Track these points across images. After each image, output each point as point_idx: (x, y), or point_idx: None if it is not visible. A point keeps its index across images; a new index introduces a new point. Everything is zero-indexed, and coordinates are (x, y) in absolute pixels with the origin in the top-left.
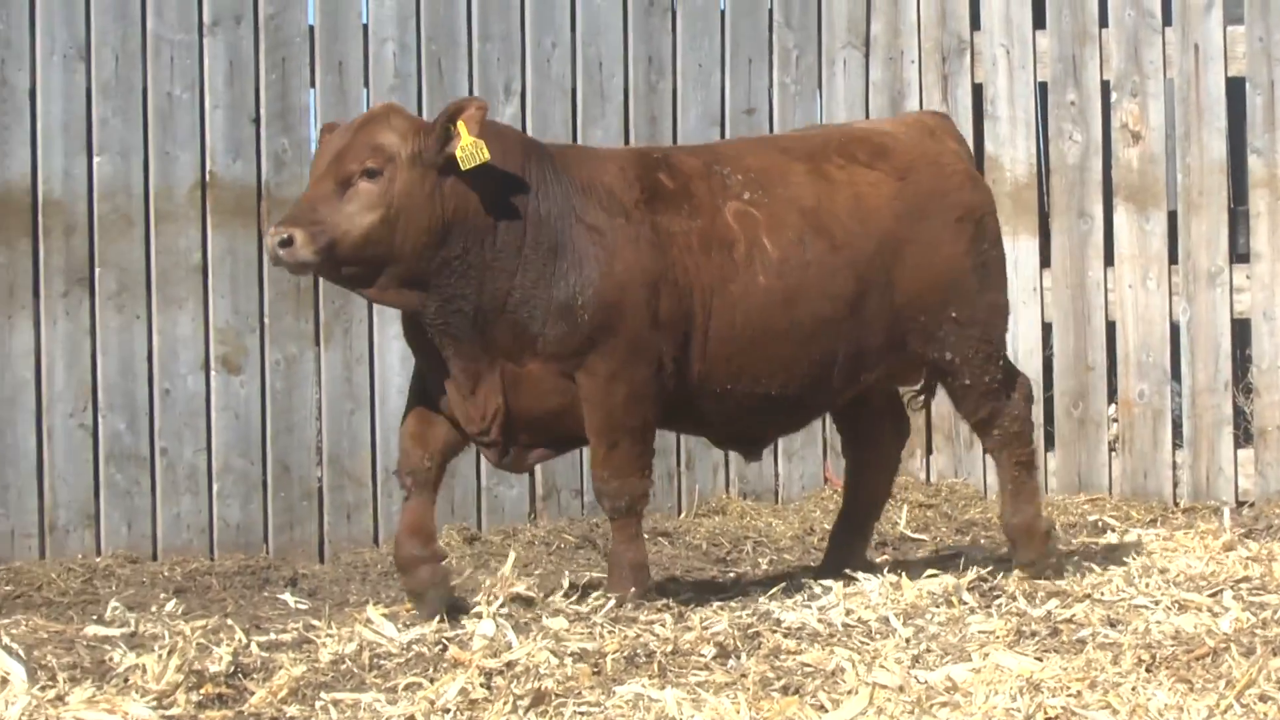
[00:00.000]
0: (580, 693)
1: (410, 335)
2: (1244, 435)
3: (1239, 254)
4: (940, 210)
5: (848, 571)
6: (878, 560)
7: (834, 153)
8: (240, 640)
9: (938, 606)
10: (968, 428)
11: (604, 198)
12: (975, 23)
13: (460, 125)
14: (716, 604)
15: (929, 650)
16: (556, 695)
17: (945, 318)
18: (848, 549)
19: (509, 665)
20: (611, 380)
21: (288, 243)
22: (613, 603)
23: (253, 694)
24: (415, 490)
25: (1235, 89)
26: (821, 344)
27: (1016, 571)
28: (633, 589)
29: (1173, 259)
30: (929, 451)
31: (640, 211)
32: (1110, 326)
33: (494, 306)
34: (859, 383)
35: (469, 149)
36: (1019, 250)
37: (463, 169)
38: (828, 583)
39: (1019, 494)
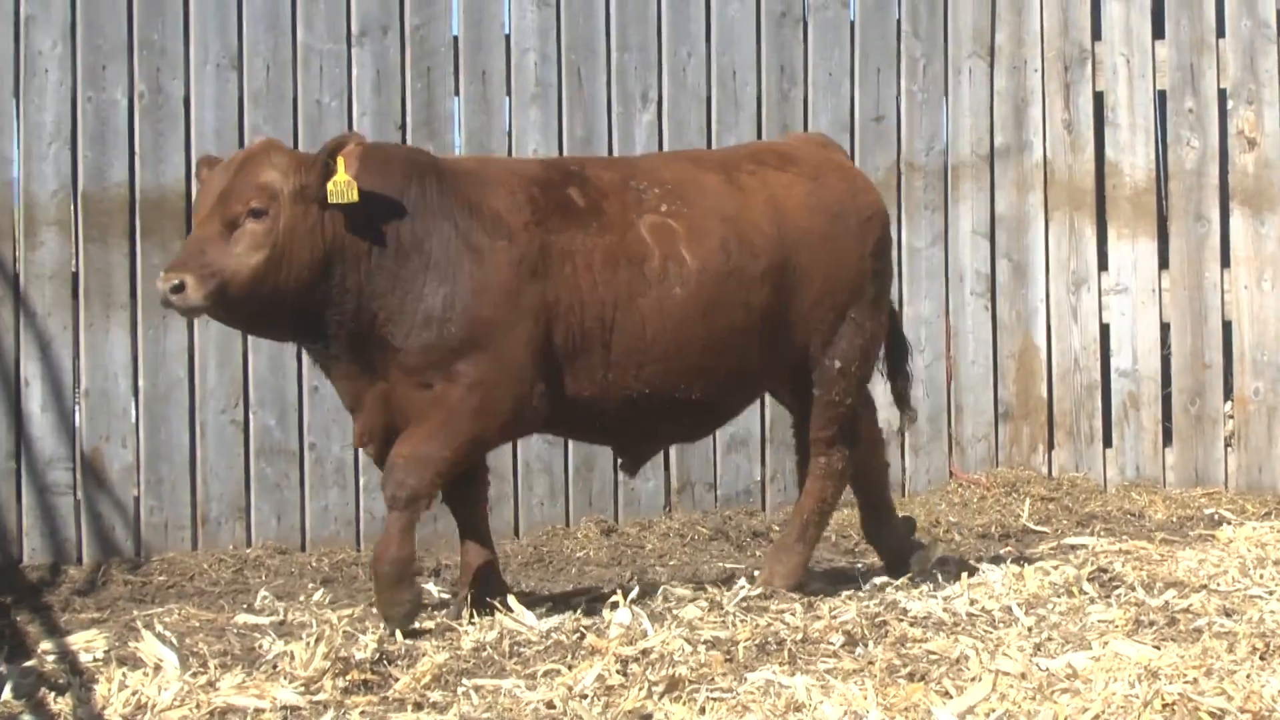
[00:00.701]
0: (713, 679)
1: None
2: None
3: None
4: (852, 209)
5: (971, 562)
6: (1001, 551)
7: (745, 160)
8: (385, 629)
9: (1059, 596)
10: (1088, 424)
11: (488, 220)
12: (1096, 33)
13: (339, 160)
14: (845, 594)
15: (1050, 639)
16: (690, 681)
17: (846, 319)
18: (889, 533)
19: (644, 653)
20: (470, 389)
21: (179, 289)
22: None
23: (397, 680)
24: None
25: None
26: (739, 353)
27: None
28: (394, 584)
29: None
30: (1050, 447)
31: (528, 233)
32: (1226, 326)
33: (366, 328)
34: (764, 388)
35: (340, 186)
36: (1138, 253)
37: (329, 203)
38: (952, 572)
39: (807, 530)
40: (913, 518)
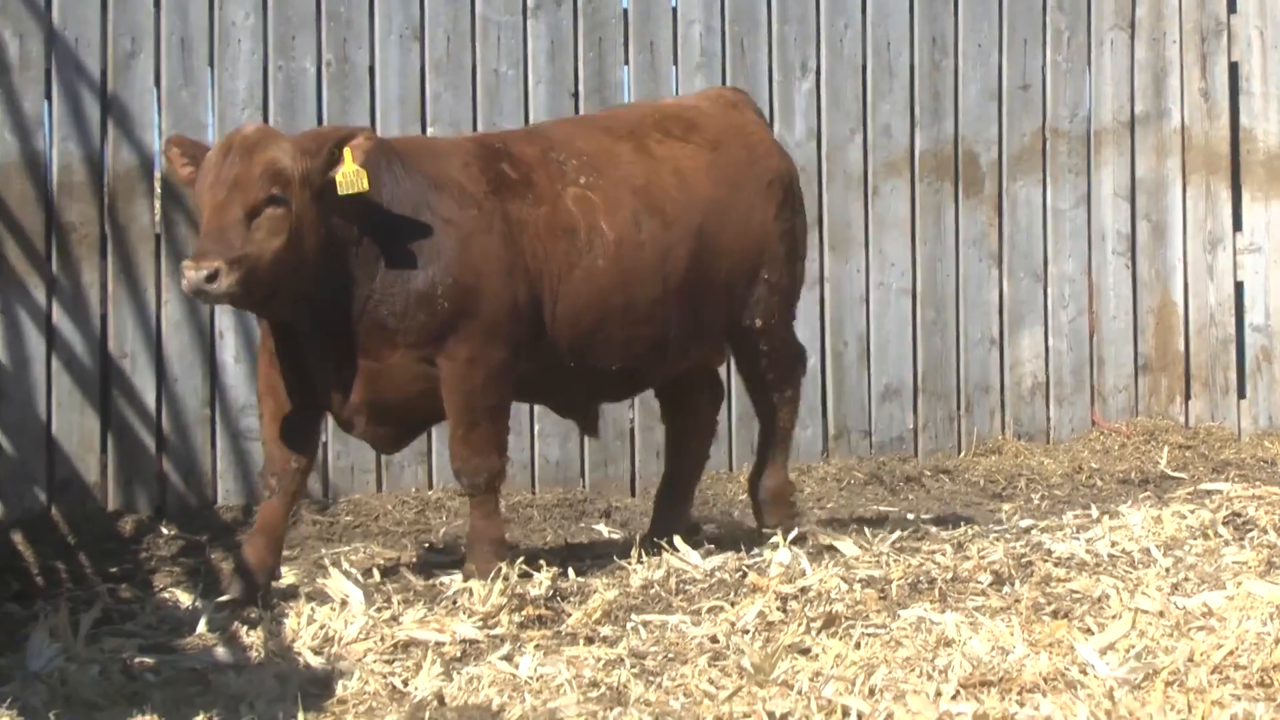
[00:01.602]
0: (867, 615)
1: (273, 332)
2: None
3: None
4: (751, 178)
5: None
6: (1140, 496)
7: (652, 129)
8: (558, 567)
9: (1195, 539)
10: (1223, 376)
11: (454, 191)
12: (1232, 6)
13: (346, 151)
14: (993, 535)
15: (1186, 579)
16: (846, 618)
17: (759, 281)
18: (674, 511)
19: (803, 590)
20: (471, 364)
21: (213, 277)
22: (474, 580)
23: (570, 615)
24: (278, 493)
25: None
26: (657, 321)
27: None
28: (494, 563)
29: None
30: (1187, 398)
31: (490, 201)
32: None
33: (357, 310)
34: (689, 355)
35: (350, 176)
36: (1270, 214)
37: (339, 194)
38: (1094, 514)
39: (775, 460)
40: (700, 526)
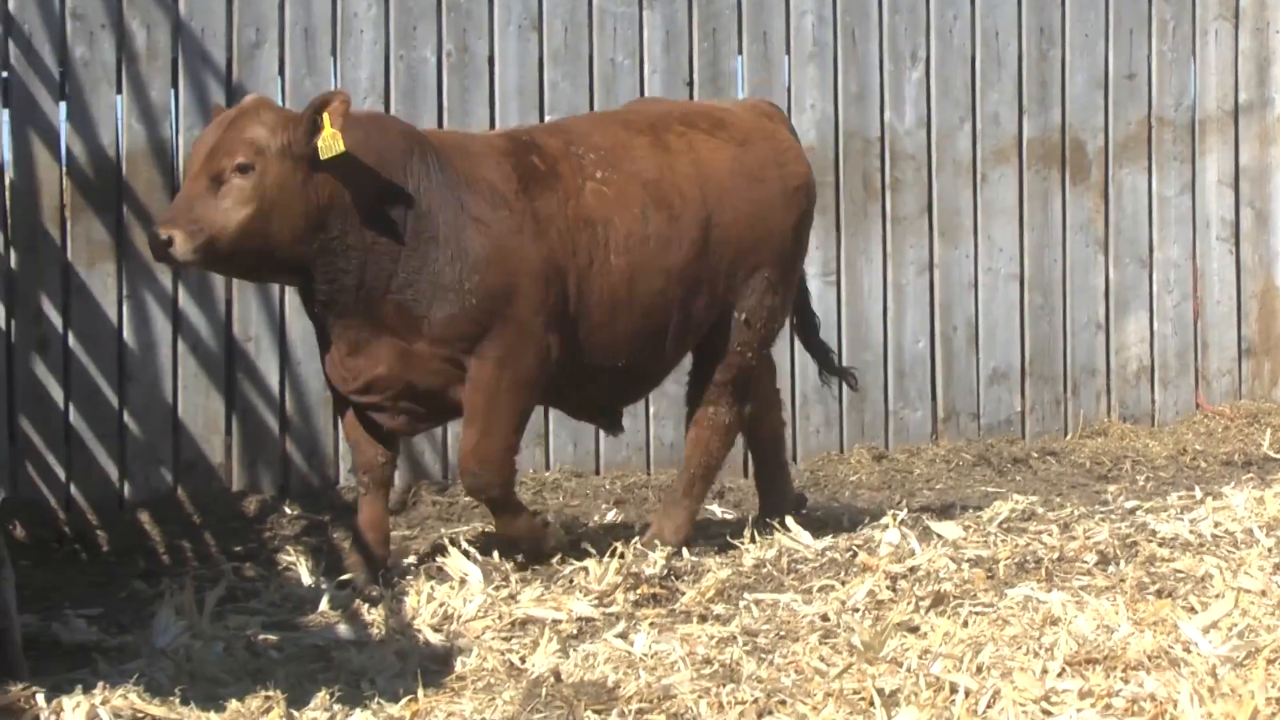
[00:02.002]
0: (975, 594)
1: (311, 313)
2: None
3: None
4: (777, 177)
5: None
6: (1243, 478)
7: (675, 122)
8: (688, 534)
9: None
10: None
11: (487, 191)
12: None
13: (325, 117)
14: (1098, 516)
15: None
16: (954, 597)
17: (758, 277)
18: (776, 487)
19: (912, 570)
20: (500, 365)
21: (169, 243)
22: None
23: (683, 594)
24: (372, 488)
25: None
26: (664, 316)
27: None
28: (538, 551)
29: None
30: None
31: (520, 200)
32: None
33: (378, 286)
34: (688, 348)
35: (327, 140)
36: None
37: (320, 159)
38: (1198, 495)
39: (694, 485)
40: (805, 496)
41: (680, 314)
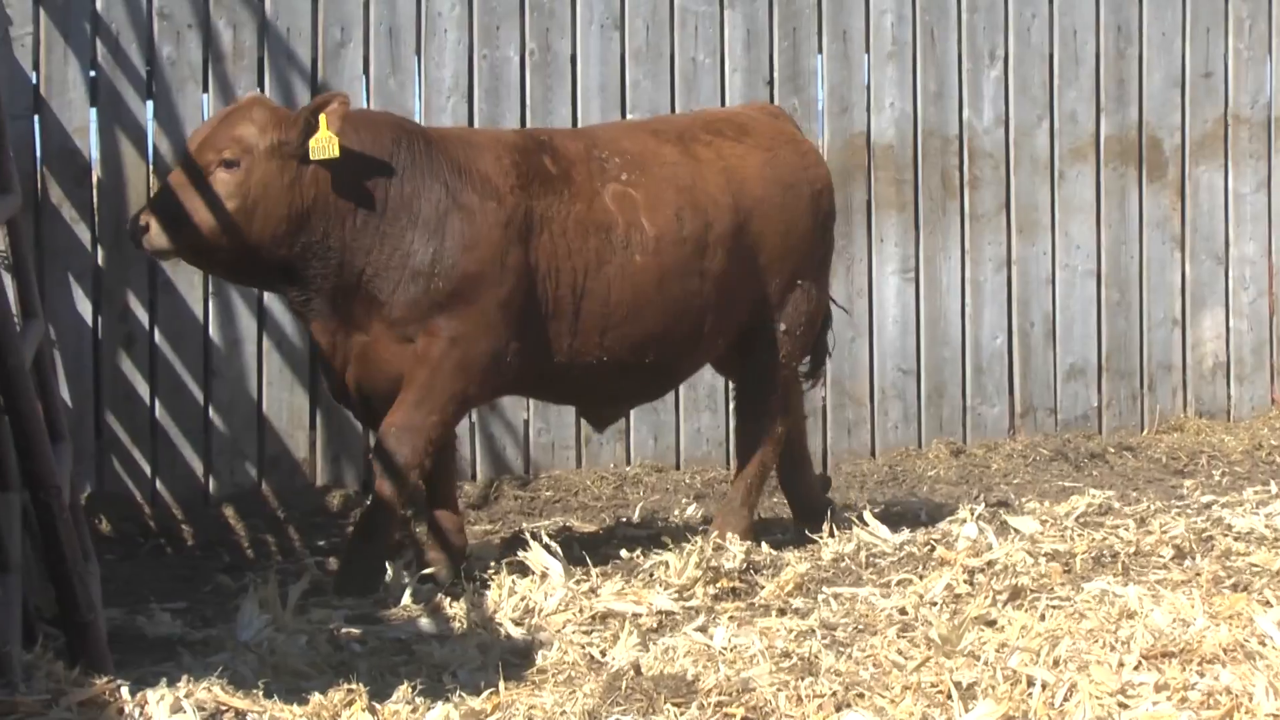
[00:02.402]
0: (1052, 588)
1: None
2: None
3: None
4: (804, 181)
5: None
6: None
7: (701, 130)
8: (752, 541)
9: None
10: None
11: (478, 181)
12: None
13: (321, 118)
14: (1174, 510)
15: None
16: (1031, 590)
17: (794, 285)
18: (805, 486)
19: (989, 564)
20: (451, 343)
21: (145, 229)
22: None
23: (763, 588)
24: (432, 480)
25: None
26: (693, 318)
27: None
28: (359, 576)
29: None
30: None
31: (514, 196)
32: None
33: (350, 284)
34: (718, 349)
35: (322, 142)
36: None
37: (312, 159)
38: (1273, 490)
39: (750, 494)
40: (829, 477)
41: (713, 316)
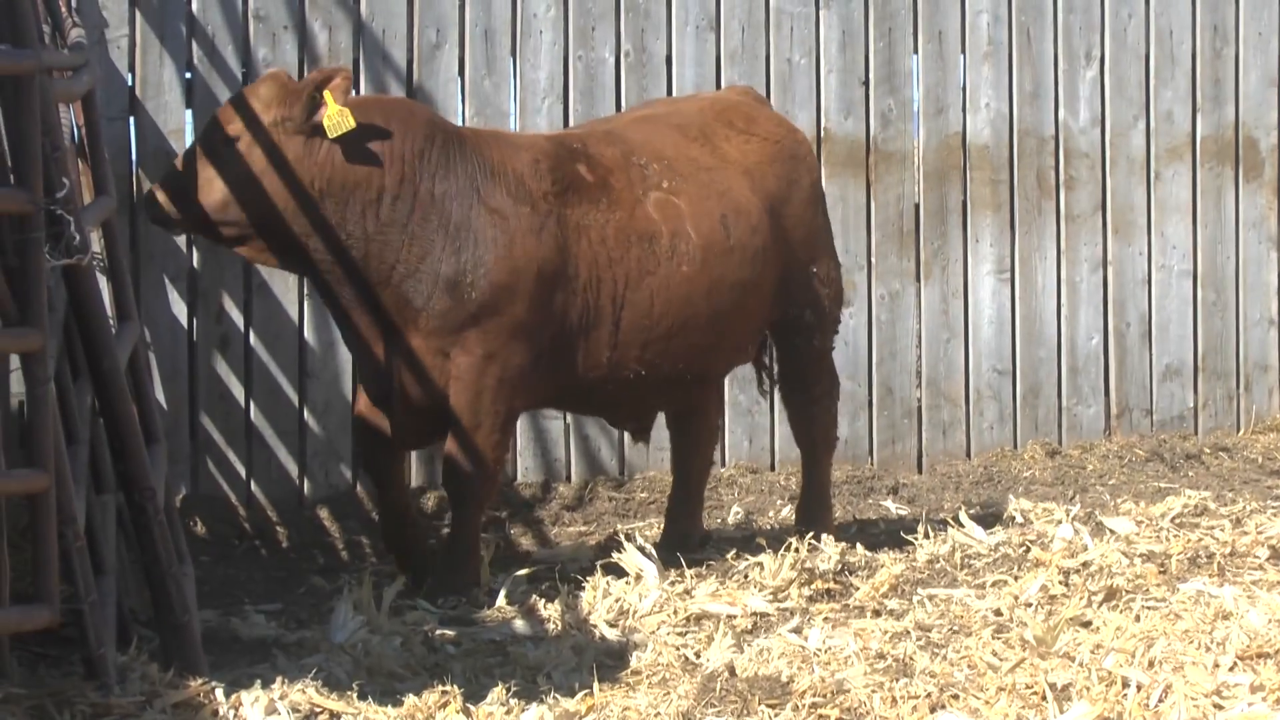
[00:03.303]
0: (1147, 589)
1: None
2: None
3: None
4: (804, 172)
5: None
6: None
7: (718, 125)
8: (847, 542)
9: None
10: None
11: (513, 184)
12: None
13: (326, 94)
14: (1270, 511)
15: None
16: (1126, 591)
17: (810, 275)
18: (687, 519)
19: (1084, 565)
20: (488, 360)
21: (153, 203)
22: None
23: (857, 589)
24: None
25: None
26: (737, 327)
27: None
28: (463, 577)
29: None
30: None
31: (548, 203)
32: None
33: (379, 279)
34: (748, 354)
35: (335, 118)
36: None
37: (330, 137)
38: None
39: (825, 483)
40: (709, 535)
41: (755, 321)
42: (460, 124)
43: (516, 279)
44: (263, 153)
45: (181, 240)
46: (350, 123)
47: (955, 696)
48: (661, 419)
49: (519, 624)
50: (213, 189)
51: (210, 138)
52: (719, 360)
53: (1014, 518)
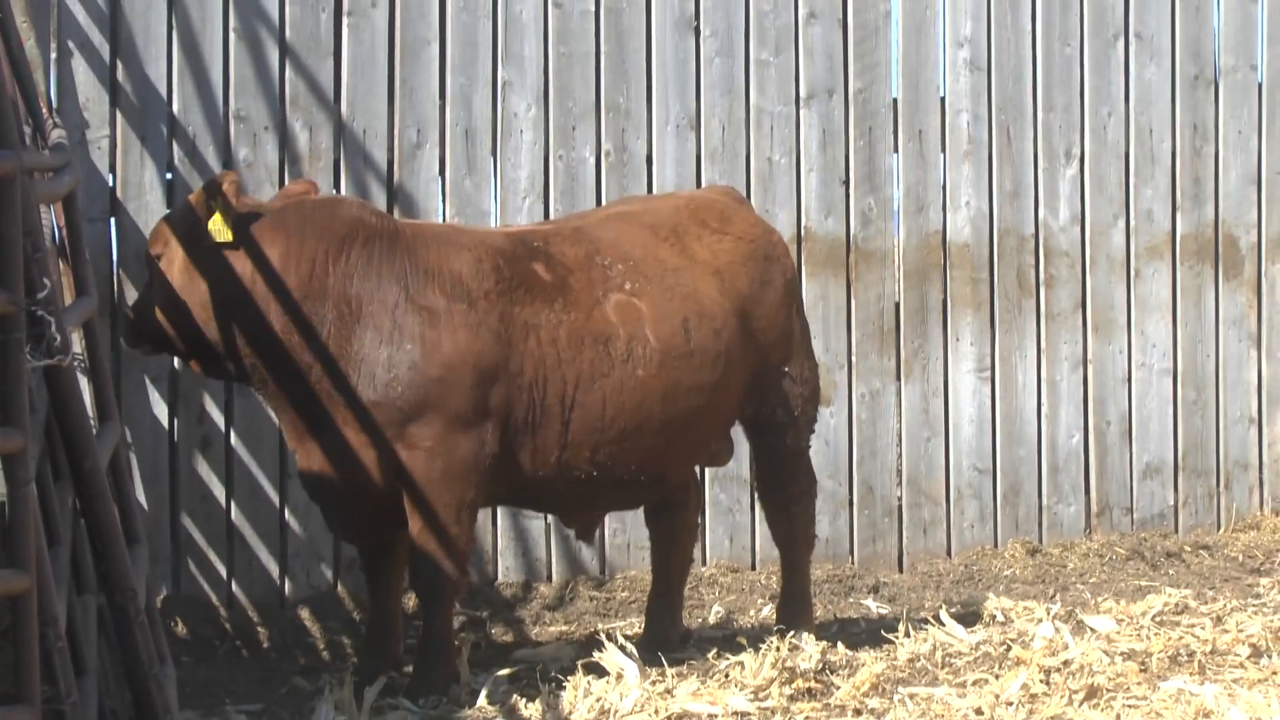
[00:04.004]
0: (1129, 688)
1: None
2: None
3: None
4: (778, 272)
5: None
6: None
7: (691, 224)
8: (828, 641)
9: None
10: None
11: (448, 283)
12: None
13: (214, 203)
14: (1251, 609)
15: None
16: (1107, 690)
17: (783, 375)
18: (668, 617)
19: (1065, 664)
20: (430, 454)
21: (125, 323)
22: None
23: (839, 688)
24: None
25: None
26: (695, 431)
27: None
28: (438, 674)
29: None
30: None
31: (489, 301)
32: None
33: (300, 378)
34: (710, 454)
35: (215, 225)
36: None
37: (216, 241)
38: None
39: (803, 581)
40: (690, 634)
41: (717, 423)
42: (441, 221)
43: (448, 373)
44: (182, 267)
45: None
46: (228, 235)
47: None
48: (640, 517)
49: None
50: (152, 308)
51: (146, 258)
52: (675, 462)
53: (995, 616)
